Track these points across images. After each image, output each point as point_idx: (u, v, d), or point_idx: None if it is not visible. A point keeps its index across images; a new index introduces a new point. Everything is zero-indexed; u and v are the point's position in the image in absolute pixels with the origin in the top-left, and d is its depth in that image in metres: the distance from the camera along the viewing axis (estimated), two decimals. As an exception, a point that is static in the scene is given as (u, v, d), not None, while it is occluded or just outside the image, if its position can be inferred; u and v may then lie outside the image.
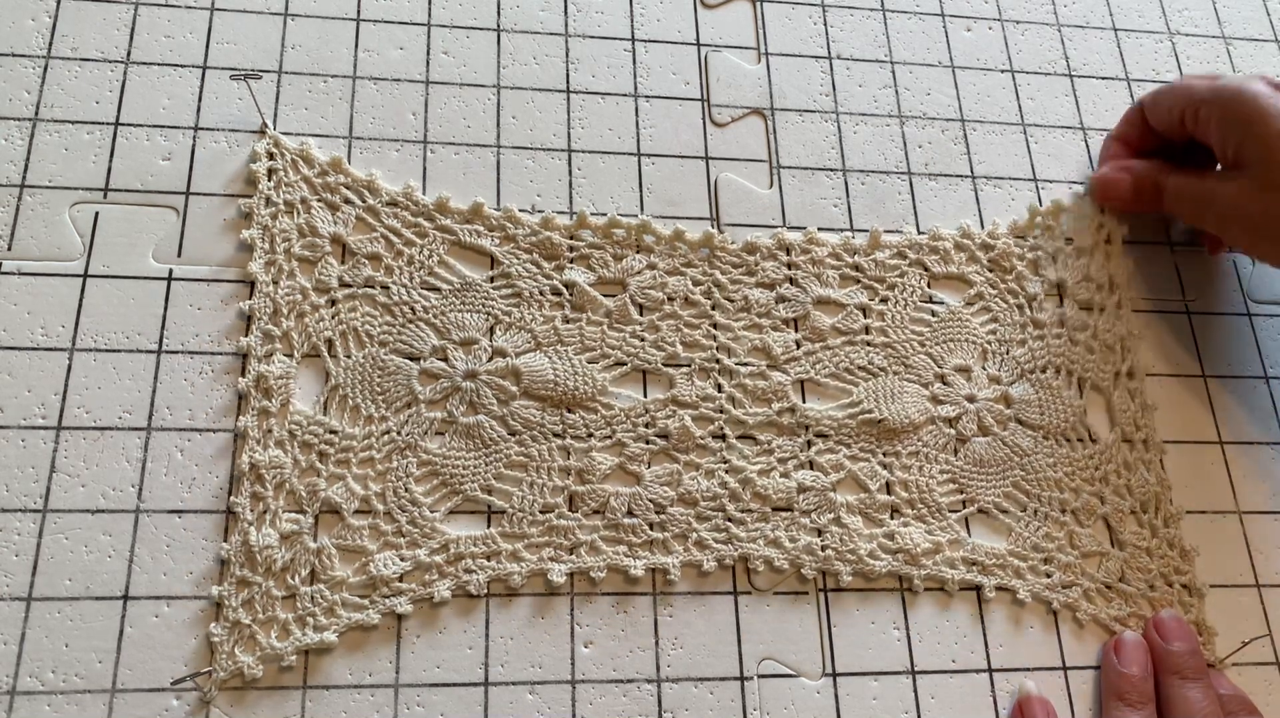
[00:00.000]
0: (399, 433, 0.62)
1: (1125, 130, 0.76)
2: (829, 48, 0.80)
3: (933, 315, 0.71)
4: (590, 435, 0.64)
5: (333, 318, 0.64)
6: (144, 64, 0.70)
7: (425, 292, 0.66)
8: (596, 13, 0.77)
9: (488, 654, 0.59)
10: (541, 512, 0.62)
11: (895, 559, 0.64)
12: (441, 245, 0.67)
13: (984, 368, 0.70)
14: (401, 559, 0.60)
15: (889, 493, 0.66)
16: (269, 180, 0.67)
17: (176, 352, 0.63)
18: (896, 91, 0.79)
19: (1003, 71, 0.81)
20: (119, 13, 0.71)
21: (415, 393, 0.63)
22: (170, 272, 0.64)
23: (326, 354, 0.63)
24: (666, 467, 0.64)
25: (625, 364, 0.66)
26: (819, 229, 0.72)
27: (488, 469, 0.62)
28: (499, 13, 0.76)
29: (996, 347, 0.71)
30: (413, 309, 0.65)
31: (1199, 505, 0.69)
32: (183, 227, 0.66)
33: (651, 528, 0.63)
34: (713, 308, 0.69)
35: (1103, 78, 0.83)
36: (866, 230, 0.73)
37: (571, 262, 0.68)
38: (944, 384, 0.69)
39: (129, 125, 0.68)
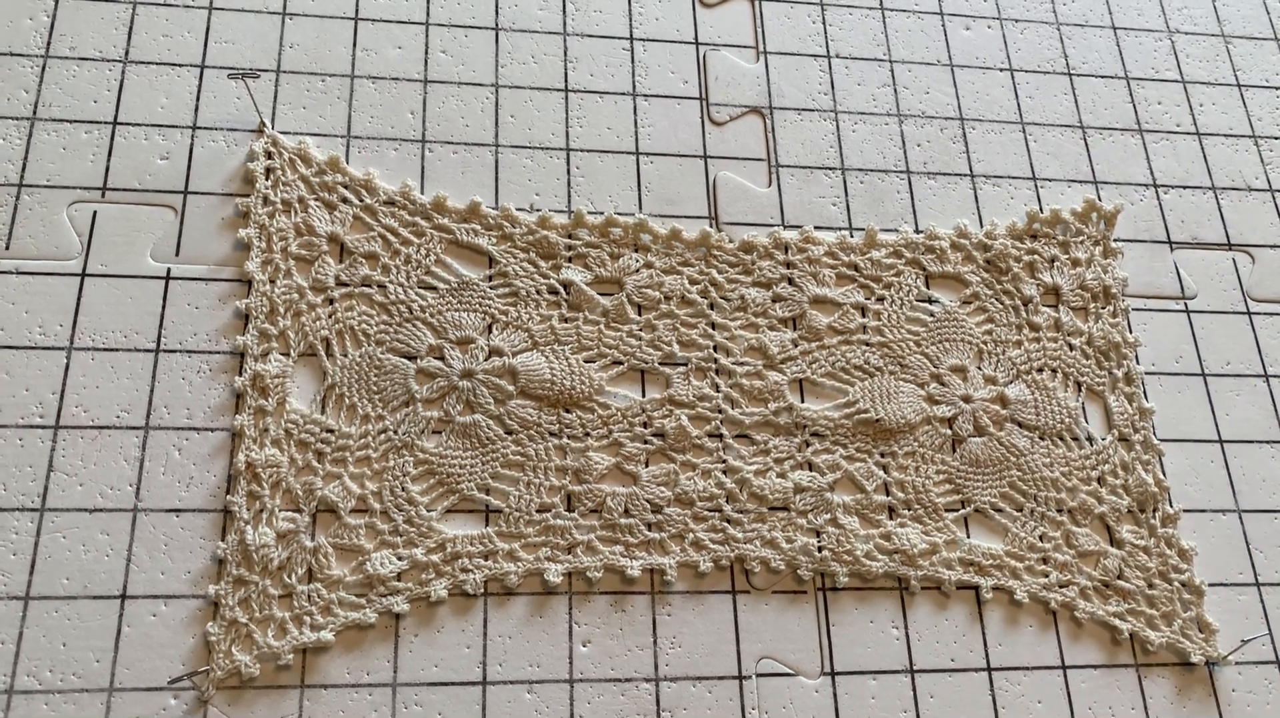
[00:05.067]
0: (396, 432, 0.62)
1: None
2: (828, 46, 0.80)
3: (929, 316, 0.71)
4: (587, 435, 0.64)
5: (329, 317, 0.64)
6: (142, 63, 0.70)
7: (422, 291, 0.66)
8: (595, 11, 0.77)
9: (485, 653, 0.59)
10: (538, 511, 0.62)
11: (892, 560, 0.64)
12: (439, 244, 0.67)
13: (980, 368, 0.70)
14: (398, 558, 0.60)
15: (886, 493, 0.66)
16: (266, 179, 0.67)
17: (174, 350, 0.63)
18: (895, 90, 0.79)
19: (1002, 70, 0.81)
20: (117, 12, 0.71)
21: (412, 392, 0.63)
22: (168, 270, 0.64)
23: (323, 353, 0.63)
24: (663, 467, 0.64)
25: (622, 363, 0.66)
26: (817, 228, 0.72)
27: (484, 468, 0.62)
28: (497, 11, 0.76)
29: (992, 347, 0.71)
30: (410, 308, 0.65)
31: (1199, 504, 0.69)
32: (181, 225, 0.66)
33: (648, 528, 0.63)
34: (710, 307, 0.69)
35: (1102, 76, 0.83)
36: (865, 229, 0.73)
37: (569, 260, 0.68)
38: (940, 384, 0.69)
39: (127, 124, 0.68)
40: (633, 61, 0.76)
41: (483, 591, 0.60)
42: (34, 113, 0.67)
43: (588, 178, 0.72)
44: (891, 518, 0.65)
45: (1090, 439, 0.69)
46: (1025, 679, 0.63)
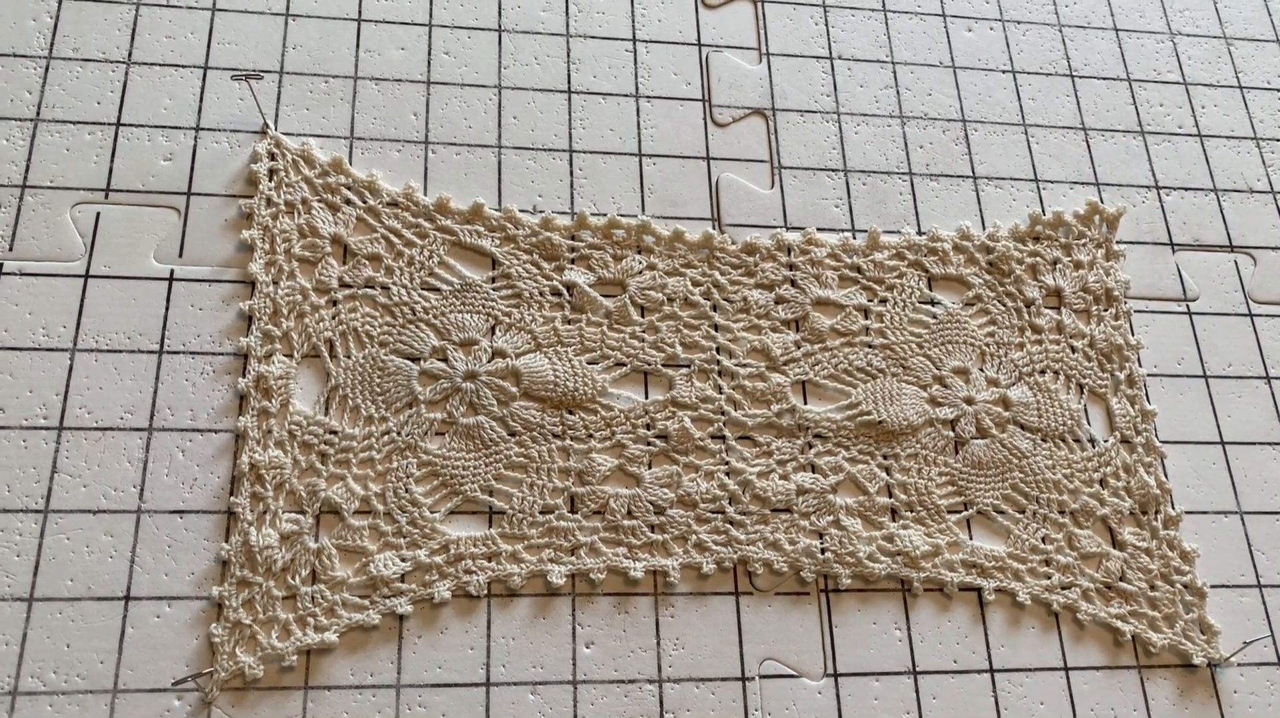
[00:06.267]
0: (399, 433, 0.62)
1: None
2: (830, 48, 0.80)
3: (931, 318, 0.71)
4: (590, 437, 0.64)
5: (333, 318, 0.64)
6: (145, 64, 0.70)
7: (425, 292, 0.66)
8: (598, 13, 0.77)
9: (489, 655, 0.59)
10: (541, 513, 0.62)
11: (895, 562, 0.64)
12: (442, 246, 0.67)
13: (982, 370, 0.70)
14: (402, 560, 0.60)
15: (888, 495, 0.66)
16: (270, 181, 0.67)
17: (178, 352, 0.63)
18: (898, 92, 0.79)
19: (1004, 72, 0.81)
20: (120, 13, 0.71)
21: (415, 393, 0.63)
22: (171, 272, 0.64)
23: (326, 355, 0.64)
24: (666, 468, 0.64)
25: (625, 365, 0.66)
26: (820, 230, 0.72)
27: (488, 470, 0.62)
28: (500, 13, 0.76)
29: (995, 349, 0.71)
30: (413, 310, 0.65)
31: (1200, 505, 0.69)
32: (184, 227, 0.66)
33: (651, 530, 0.63)
34: (712, 309, 0.69)
35: (1104, 78, 0.83)
36: (867, 231, 0.73)
37: (571, 262, 0.68)
38: (942, 386, 0.69)
39: (130, 126, 0.68)
40: (635, 63, 0.76)
41: (486, 592, 0.60)
42: (37, 114, 0.67)
43: (590, 179, 0.72)
44: (894, 520, 0.65)
45: (1092, 441, 0.70)
46: (1027, 681, 0.63)
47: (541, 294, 0.67)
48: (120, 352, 0.62)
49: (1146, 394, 0.72)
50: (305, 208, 0.67)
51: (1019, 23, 0.83)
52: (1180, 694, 0.64)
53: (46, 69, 0.68)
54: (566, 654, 0.60)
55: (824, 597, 0.63)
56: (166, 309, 0.64)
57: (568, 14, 0.77)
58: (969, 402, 0.69)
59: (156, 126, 0.68)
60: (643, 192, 0.72)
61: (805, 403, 0.67)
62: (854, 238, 0.72)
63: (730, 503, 0.64)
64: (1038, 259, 0.74)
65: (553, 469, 0.63)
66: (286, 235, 0.66)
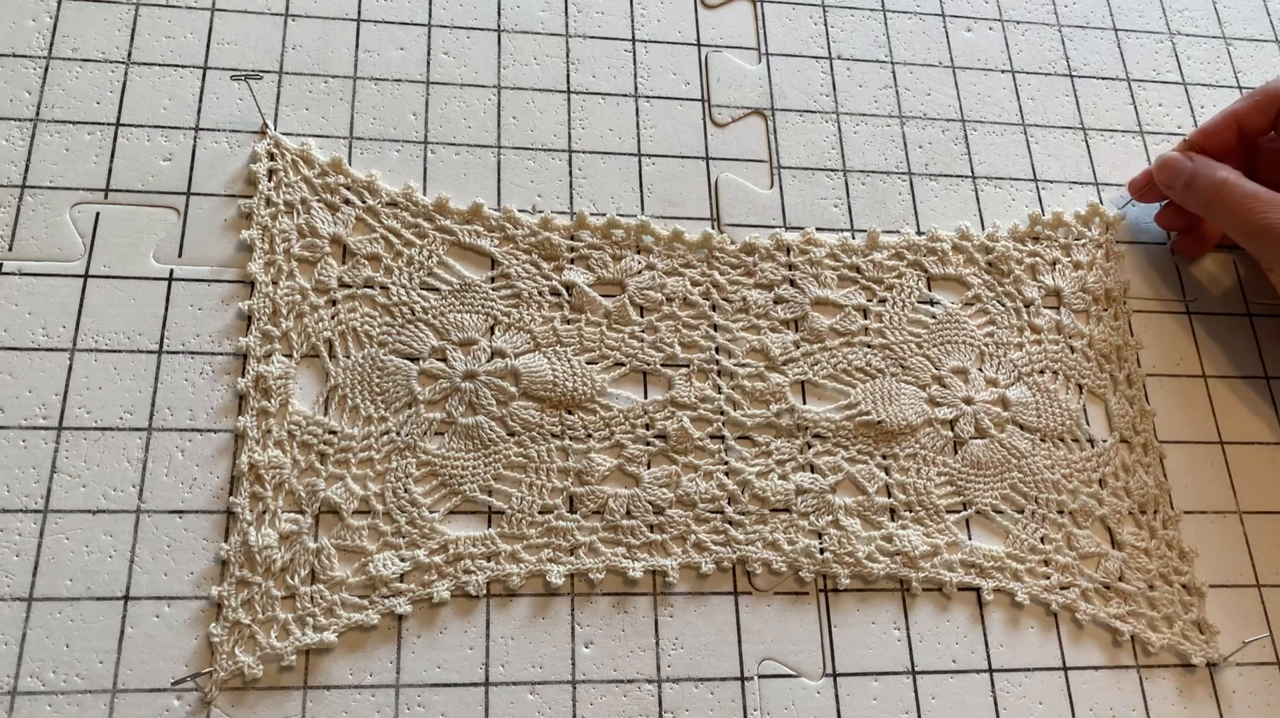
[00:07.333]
0: (398, 433, 0.62)
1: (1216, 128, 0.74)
2: (829, 48, 0.80)
3: (931, 318, 0.71)
4: (589, 437, 0.64)
5: (332, 318, 0.64)
6: (145, 64, 0.70)
7: (424, 292, 0.66)
8: (597, 13, 0.77)
9: (488, 655, 0.59)
10: (540, 513, 0.62)
11: (893, 562, 0.64)
12: (441, 246, 0.67)
13: (981, 370, 0.70)
14: (401, 560, 0.60)
15: (887, 495, 0.66)
16: (269, 181, 0.67)
17: (177, 352, 0.63)
18: (897, 92, 0.79)
19: (1003, 72, 0.81)
20: (120, 13, 0.71)
21: (414, 393, 0.63)
22: (171, 272, 0.64)
23: (326, 354, 0.64)
24: (665, 468, 0.64)
25: (624, 365, 0.66)
26: (819, 230, 0.72)
27: (487, 470, 0.62)
28: (499, 13, 0.76)
29: (994, 349, 0.71)
30: (412, 310, 0.65)
31: (1199, 506, 0.69)
32: (183, 227, 0.66)
33: (650, 530, 0.63)
34: (711, 308, 0.69)
35: (1103, 78, 0.83)
36: (866, 231, 0.73)
37: (571, 262, 0.68)
38: (941, 386, 0.69)
39: (130, 126, 0.68)
40: (634, 63, 0.76)
41: (485, 592, 0.60)
42: (36, 114, 0.67)
43: (590, 179, 0.72)
44: (893, 520, 0.65)
45: (1091, 441, 0.70)
46: (1026, 681, 0.63)
47: (541, 294, 0.67)
48: (120, 352, 0.62)
49: (1146, 394, 0.72)
50: (304, 208, 0.67)
51: (1018, 23, 0.84)
52: (1179, 694, 0.64)
53: (46, 69, 0.69)
54: (565, 654, 0.60)
55: (823, 597, 0.63)
56: (166, 309, 0.64)
57: (567, 14, 0.77)
58: (968, 402, 0.69)
59: (156, 127, 0.68)
60: (642, 191, 0.72)
61: (804, 403, 0.68)
62: (853, 238, 0.73)
63: (729, 503, 0.64)
64: (1037, 259, 0.74)
65: (552, 469, 0.63)
66: (286, 235, 0.66)
